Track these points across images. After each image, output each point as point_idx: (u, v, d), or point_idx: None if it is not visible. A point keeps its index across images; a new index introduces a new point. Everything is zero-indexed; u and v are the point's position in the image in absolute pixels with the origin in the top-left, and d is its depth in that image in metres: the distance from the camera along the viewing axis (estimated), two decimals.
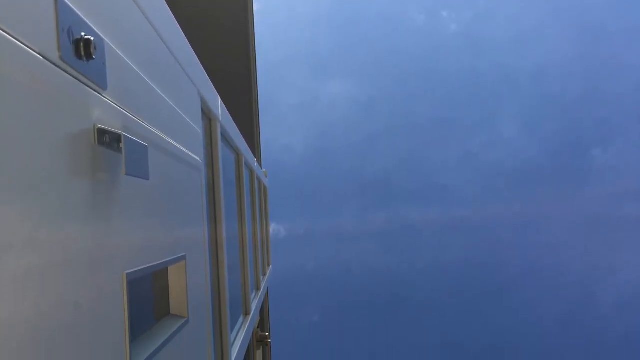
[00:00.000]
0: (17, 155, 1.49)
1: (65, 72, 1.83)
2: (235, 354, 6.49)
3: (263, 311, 15.79)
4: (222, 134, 6.46)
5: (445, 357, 79.54)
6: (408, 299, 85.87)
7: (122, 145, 2.21)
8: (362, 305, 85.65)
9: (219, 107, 6.15)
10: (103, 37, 2.20)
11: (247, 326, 8.37)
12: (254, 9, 18.29)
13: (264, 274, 13.87)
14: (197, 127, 4.60)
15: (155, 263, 2.96)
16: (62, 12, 1.81)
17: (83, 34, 1.96)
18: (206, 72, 5.28)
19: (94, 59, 2.02)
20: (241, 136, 9.11)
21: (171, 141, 3.49)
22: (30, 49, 1.60)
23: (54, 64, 1.74)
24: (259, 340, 13.62)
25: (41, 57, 1.66)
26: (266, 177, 17.05)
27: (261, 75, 19.13)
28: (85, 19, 2.01)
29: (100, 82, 2.15)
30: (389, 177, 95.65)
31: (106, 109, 2.21)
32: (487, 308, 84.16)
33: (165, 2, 3.57)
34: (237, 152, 8.88)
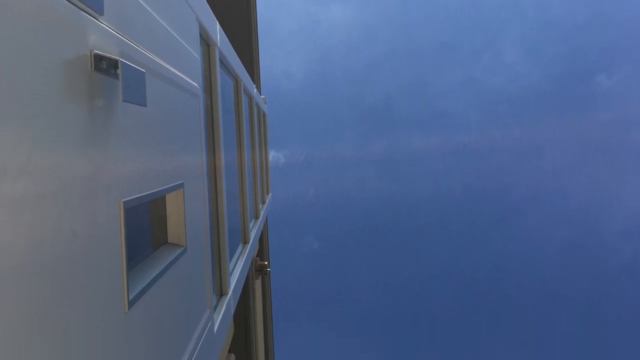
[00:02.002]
0: (11, 81, 1.45)
1: None
2: (234, 283, 6.53)
3: (262, 240, 15.88)
4: (220, 60, 6.40)
5: (446, 284, 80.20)
6: (409, 226, 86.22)
7: (119, 71, 2.17)
8: (363, 233, 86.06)
9: (218, 33, 6.09)
10: None
11: (246, 255, 8.41)
12: None
13: (263, 202, 13.92)
14: (196, 53, 4.55)
15: (153, 191, 2.95)
16: None
17: None
18: None
19: None
20: (240, 62, 9.05)
21: (169, 67, 3.45)
22: None
23: None
24: (258, 269, 13.70)
25: None
26: (265, 103, 17.00)
27: None
28: None
29: (96, 7, 2.10)
30: (390, 103, 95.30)
31: (103, 35, 2.17)
32: (489, 235, 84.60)
33: None
34: (235, 78, 8.82)
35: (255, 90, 12.28)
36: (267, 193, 16.13)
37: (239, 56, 8.78)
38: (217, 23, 6.07)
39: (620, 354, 70.44)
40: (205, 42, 5.64)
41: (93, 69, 2.02)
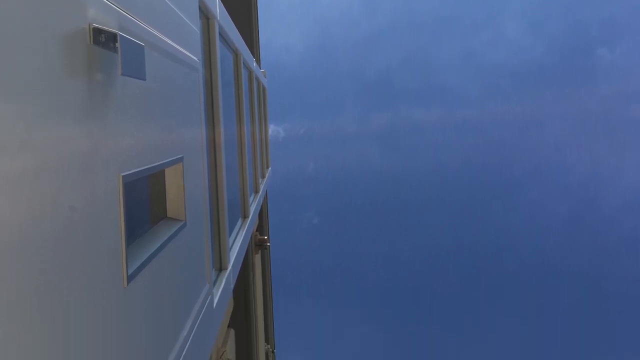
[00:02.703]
0: (10, 55, 1.44)
1: None
2: (234, 258, 6.53)
3: (262, 214, 15.88)
4: (220, 33, 6.37)
5: (447, 258, 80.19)
6: (410, 201, 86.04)
7: (118, 44, 2.16)
8: (363, 207, 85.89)
9: (217, 6, 6.05)
10: None
11: (245, 229, 8.41)
12: None
13: (263, 176, 13.91)
14: (195, 26, 4.52)
15: (152, 165, 2.94)
16: None
17: None
18: None
19: None
20: (239, 36, 9.00)
21: (168, 41, 3.43)
22: None
23: None
24: (257, 244, 13.72)
25: None
26: (265, 77, 16.94)
27: None
28: None
29: None
30: (391, 77, 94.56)
31: (101, 8, 2.15)
32: (490, 209, 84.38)
33: None
34: (235, 52, 8.78)
35: (254, 64, 12.24)
36: (267, 167, 16.12)
37: (238, 29, 8.73)
38: None
39: (620, 327, 70.72)
40: (205, 15, 5.61)
41: (92, 42, 2.01)
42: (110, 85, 2.26)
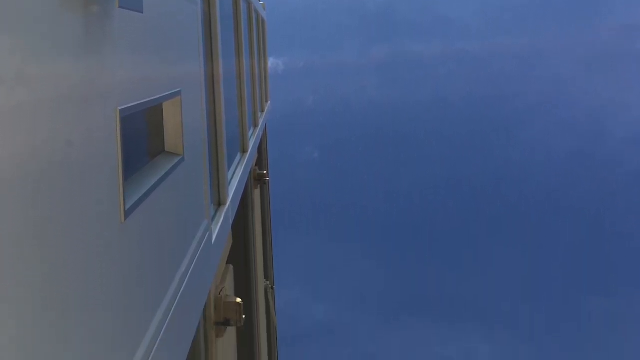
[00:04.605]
0: None
1: None
2: (233, 193, 6.53)
3: (261, 148, 15.83)
4: None
5: (448, 192, 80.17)
6: (410, 134, 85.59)
7: None
8: (363, 141, 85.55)
9: None
10: None
11: (244, 164, 8.40)
12: None
13: (262, 110, 13.86)
14: None
15: (150, 99, 2.91)
16: None
17: None
18: None
19: None
20: None
21: None
22: None
23: None
24: (257, 179, 13.67)
25: None
26: (264, 9, 16.81)
27: None
28: None
29: None
30: (392, 9, 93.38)
31: None
32: (493, 143, 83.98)
33: None
34: None
35: None
36: (266, 101, 16.07)
37: None
38: None
39: (624, 261, 71.07)
40: None
41: None
42: (108, 18, 2.23)
